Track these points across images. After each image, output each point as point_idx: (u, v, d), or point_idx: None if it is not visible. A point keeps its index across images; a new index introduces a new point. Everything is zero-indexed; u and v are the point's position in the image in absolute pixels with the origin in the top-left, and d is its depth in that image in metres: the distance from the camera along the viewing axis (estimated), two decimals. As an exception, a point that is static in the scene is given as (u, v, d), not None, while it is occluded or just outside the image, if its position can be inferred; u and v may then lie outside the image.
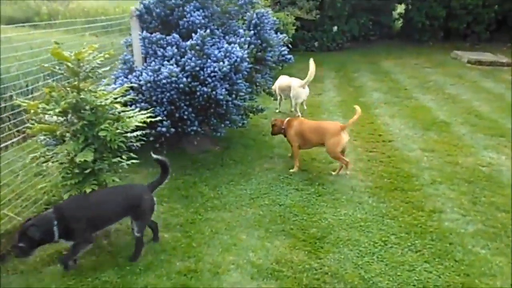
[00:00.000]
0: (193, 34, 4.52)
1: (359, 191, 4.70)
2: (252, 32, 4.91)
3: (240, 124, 5.04)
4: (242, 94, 4.66)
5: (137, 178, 4.79)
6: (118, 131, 3.27)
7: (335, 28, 14.60)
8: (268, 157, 5.57)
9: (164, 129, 4.56)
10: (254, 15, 4.98)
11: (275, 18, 6.63)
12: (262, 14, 5.00)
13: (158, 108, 4.58)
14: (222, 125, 4.88)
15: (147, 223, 3.53)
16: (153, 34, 4.76)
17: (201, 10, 4.88)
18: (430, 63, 12.53)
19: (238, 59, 4.43)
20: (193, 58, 4.41)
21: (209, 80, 4.41)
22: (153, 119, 3.67)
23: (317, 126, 5.06)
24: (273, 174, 5.05)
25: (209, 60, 4.46)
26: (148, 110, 3.83)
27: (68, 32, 8.19)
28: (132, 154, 3.77)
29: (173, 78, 4.31)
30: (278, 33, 6.48)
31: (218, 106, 4.62)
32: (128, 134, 3.55)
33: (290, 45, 10.40)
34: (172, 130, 4.61)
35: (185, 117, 4.65)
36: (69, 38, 7.84)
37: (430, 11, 15.03)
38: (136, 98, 4.57)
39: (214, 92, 4.42)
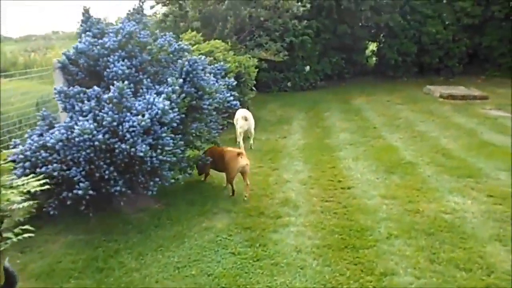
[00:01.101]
0: (111, 87, 4.13)
1: (304, 251, 4.17)
2: (181, 80, 4.53)
3: (172, 181, 4.56)
4: (169, 148, 4.21)
5: (53, 247, 4.23)
6: (-12, 206, 2.78)
7: (307, 68, 14.49)
8: (212, 213, 5.05)
9: (80, 191, 4.06)
10: (186, 62, 4.63)
11: (221, 64, 6.33)
12: (195, 60, 4.65)
13: (74, 168, 4.11)
14: (152, 183, 4.39)
15: None
16: (71, 88, 4.36)
17: (126, 60, 4.52)
18: (402, 99, 12.33)
19: (159, 111, 4.01)
20: (110, 112, 4.00)
21: (128, 135, 3.98)
22: (43, 187, 3.18)
23: (221, 151, 5.56)
24: (211, 234, 4.52)
25: (128, 114, 4.05)
26: (41, 176, 3.34)
27: (44, 81, 7.88)
28: (28, 227, 3.25)
29: (86, 136, 3.87)
30: (226, 79, 6.18)
31: (142, 163, 4.16)
32: (15, 205, 3.06)
33: (254, 88, 10.16)
34: (91, 192, 4.12)
35: (106, 176, 4.17)
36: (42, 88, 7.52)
37: (402, 47, 15.07)
38: (50, 158, 4.09)
39: (133, 149, 3.97)
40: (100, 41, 4.67)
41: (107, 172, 4.15)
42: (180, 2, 11.52)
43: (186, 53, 4.98)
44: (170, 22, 11.09)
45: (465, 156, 6.97)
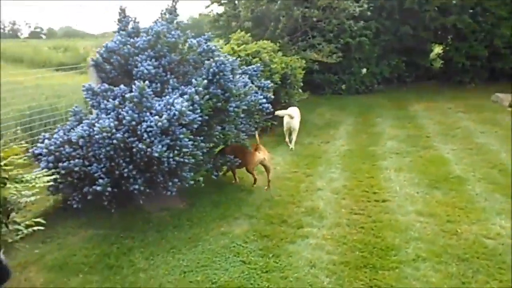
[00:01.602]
0: (132, 86, 4.18)
1: (318, 267, 3.93)
2: (205, 81, 4.47)
3: (191, 182, 4.52)
4: (186, 150, 4.17)
5: (73, 240, 4.35)
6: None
7: (364, 70, 13.91)
8: (233, 218, 4.96)
9: (100, 187, 4.15)
10: (213, 64, 4.57)
11: (258, 65, 6.22)
12: (222, 62, 4.57)
13: (95, 164, 4.21)
14: (170, 183, 4.39)
15: None
16: (99, 85, 4.48)
17: (153, 60, 4.56)
18: (466, 107, 11.39)
19: (177, 113, 3.98)
20: (130, 112, 4.04)
21: (145, 135, 4.00)
22: (48, 183, 3.26)
23: (241, 148, 5.73)
24: (226, 240, 4.42)
25: (147, 114, 4.07)
26: (50, 171, 3.44)
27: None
28: (40, 220, 3.35)
29: (105, 134, 3.94)
30: (262, 80, 6.07)
31: (160, 163, 4.17)
32: (24, 199, 3.17)
33: (301, 89, 9.91)
34: (109, 189, 4.19)
35: (125, 174, 4.23)
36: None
37: (471, 50, 13.93)
38: (73, 153, 4.22)
39: (149, 149, 3.98)
40: (131, 40, 4.76)
41: (126, 170, 4.21)
42: (236, 1, 11.56)
43: (216, 54, 4.91)
44: (223, 21, 11.17)
45: (525, 174, 6.25)
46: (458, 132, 8.92)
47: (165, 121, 3.95)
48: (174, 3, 5.00)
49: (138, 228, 4.63)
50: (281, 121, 9.43)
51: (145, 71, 4.41)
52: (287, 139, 8.08)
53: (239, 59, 8.45)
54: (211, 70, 4.58)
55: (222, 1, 11.91)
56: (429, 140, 8.34)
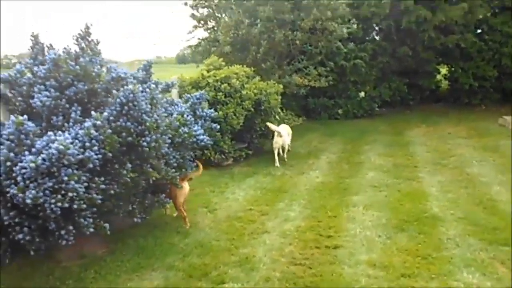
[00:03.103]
0: (9, 121, 3.66)
1: None
2: (105, 114, 3.91)
3: (91, 229, 3.89)
4: (73, 194, 3.57)
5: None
6: None
7: (362, 93, 13.17)
8: (150, 269, 4.28)
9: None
10: (121, 93, 4.01)
11: (202, 92, 5.65)
12: (131, 91, 4.00)
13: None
14: (64, 231, 3.78)
15: None
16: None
17: (52, 90, 4.05)
18: (468, 131, 10.44)
19: (56, 152, 3.41)
20: (4, 150, 3.50)
21: (20, 178, 3.43)
22: None
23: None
24: (127, 300, 3.75)
25: (27, 153, 3.52)
26: None
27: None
28: None
29: (-29, 177, 3.41)
30: (206, 109, 5.48)
31: (44, 209, 3.58)
32: None
33: (277, 117, 9.21)
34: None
35: (6, 222, 3.66)
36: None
37: (478, 71, 13.02)
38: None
39: (21, 195, 3.41)
40: (36, 68, 4.29)
41: (6, 217, 3.64)
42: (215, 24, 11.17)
43: (129, 81, 4.37)
44: (203, 47, 10.77)
45: (514, 213, 5.33)
46: (451, 160, 8.00)
47: (40, 161, 3.38)
48: (86, 28, 4.51)
49: (31, 283, 4.01)
50: (257, 151, 8.85)
51: (39, 103, 3.90)
52: (275, 157, 8.10)
53: (207, 85, 8.02)
54: (118, 100, 4.02)
55: (208, 26, 11.54)
56: (415, 171, 7.47)
